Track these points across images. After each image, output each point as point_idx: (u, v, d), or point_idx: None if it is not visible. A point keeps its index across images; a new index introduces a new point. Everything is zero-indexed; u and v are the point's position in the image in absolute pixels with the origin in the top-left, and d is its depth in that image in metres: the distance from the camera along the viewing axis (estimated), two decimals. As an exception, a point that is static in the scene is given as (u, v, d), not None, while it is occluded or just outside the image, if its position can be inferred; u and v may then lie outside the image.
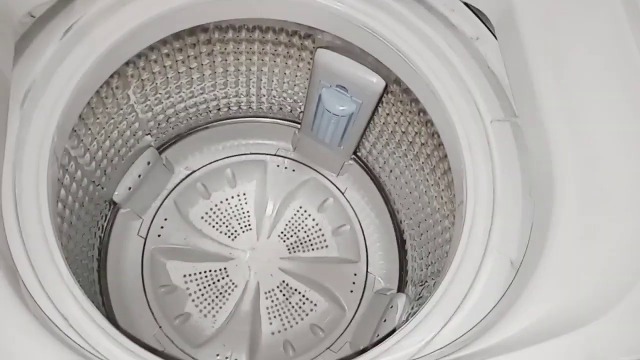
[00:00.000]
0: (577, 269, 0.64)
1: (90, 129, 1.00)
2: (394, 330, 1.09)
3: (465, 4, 0.81)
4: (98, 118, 1.01)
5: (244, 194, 1.45)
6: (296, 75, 1.23)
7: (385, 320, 1.22)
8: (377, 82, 1.05)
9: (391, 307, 1.21)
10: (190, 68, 1.16)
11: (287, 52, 1.14)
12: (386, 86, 1.05)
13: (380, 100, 1.12)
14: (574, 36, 0.69)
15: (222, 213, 1.42)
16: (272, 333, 1.34)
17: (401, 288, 1.32)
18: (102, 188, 1.17)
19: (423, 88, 0.85)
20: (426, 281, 1.14)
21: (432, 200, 1.16)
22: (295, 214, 1.44)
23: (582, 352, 0.57)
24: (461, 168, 0.79)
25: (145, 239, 1.36)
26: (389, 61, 0.89)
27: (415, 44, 0.82)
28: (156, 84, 1.13)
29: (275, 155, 1.47)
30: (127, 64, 1.00)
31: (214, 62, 1.18)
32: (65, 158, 0.93)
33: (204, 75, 1.21)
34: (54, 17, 0.75)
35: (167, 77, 1.15)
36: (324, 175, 1.47)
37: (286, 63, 1.19)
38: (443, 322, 0.66)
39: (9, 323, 0.54)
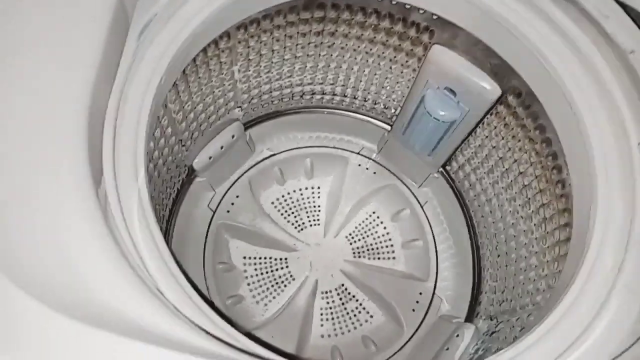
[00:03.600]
0: None
1: (189, 86, 0.99)
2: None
3: (624, 7, 0.72)
4: (199, 78, 1.00)
5: (319, 188, 1.40)
6: (401, 73, 1.17)
7: (447, 349, 1.12)
8: (492, 90, 0.97)
9: (457, 335, 1.11)
10: (295, 57, 1.14)
11: (399, 45, 1.08)
12: (501, 96, 0.96)
13: (490, 111, 1.03)
14: None
15: (293, 202, 1.38)
16: (322, 336, 1.27)
17: (469, 318, 1.21)
18: (186, 150, 1.16)
19: (556, 99, 0.76)
20: (505, 315, 1.03)
21: (519, 234, 1.06)
22: (367, 218, 1.37)
23: None
24: (588, 192, 0.69)
25: (214, 213, 1.33)
26: (519, 63, 0.81)
27: (558, 46, 0.73)
28: (260, 66, 1.11)
29: (358, 154, 1.41)
30: (239, 42, 0.99)
31: (319, 54, 1.15)
32: (161, 110, 0.92)
33: (306, 66, 1.18)
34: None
35: (272, 62, 1.13)
36: (404, 184, 1.39)
37: (394, 57, 1.13)
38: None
39: (94, 246, 0.51)
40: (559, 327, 0.59)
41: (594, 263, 0.62)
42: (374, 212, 1.37)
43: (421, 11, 0.95)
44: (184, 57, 0.77)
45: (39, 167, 0.52)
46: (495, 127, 1.06)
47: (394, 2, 0.94)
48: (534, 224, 0.96)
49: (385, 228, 1.36)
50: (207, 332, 0.52)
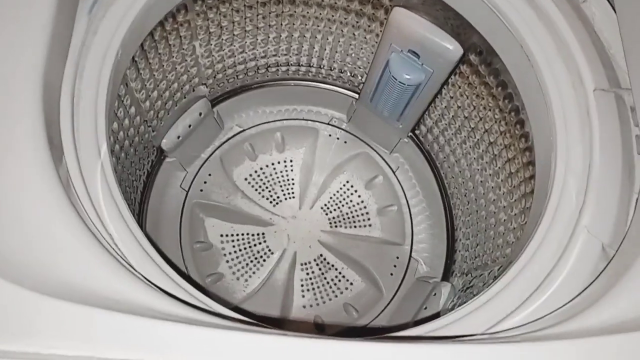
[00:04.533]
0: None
1: (150, 63, 0.97)
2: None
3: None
4: (159, 53, 0.97)
5: (291, 161, 1.40)
6: (364, 39, 1.17)
7: (426, 308, 1.15)
8: (454, 49, 0.97)
9: (434, 294, 1.14)
10: (257, 28, 1.12)
11: (360, 10, 1.08)
12: (463, 55, 0.97)
13: (453, 71, 1.04)
14: None
15: (266, 177, 1.38)
16: (304, 306, 1.28)
17: (446, 277, 1.24)
18: (153, 131, 1.14)
19: (514, 51, 0.77)
20: (477, 270, 1.06)
21: (487, 191, 1.08)
22: (341, 188, 1.38)
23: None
24: (549, 140, 0.70)
25: (187, 192, 1.32)
26: (476, 17, 0.82)
27: (514, 0, 0.74)
28: (222, 39, 1.09)
29: (328, 124, 1.41)
30: (198, 14, 0.96)
31: (281, 24, 1.13)
32: (122, 89, 0.89)
33: (268, 37, 1.16)
34: None
35: (234, 34, 1.10)
36: (376, 151, 1.40)
37: (356, 23, 1.12)
38: (519, 302, 0.58)
39: (58, 222, 0.50)
40: (525, 271, 0.61)
41: (556, 208, 0.64)
42: (347, 182, 1.38)
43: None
44: (140, 29, 0.75)
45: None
46: (460, 87, 1.07)
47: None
48: (501, 180, 0.98)
49: (359, 196, 1.38)
50: (169, 294, 0.52)
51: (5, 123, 0.51)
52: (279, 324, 1.24)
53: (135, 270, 0.54)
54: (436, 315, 1.04)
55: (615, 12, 0.70)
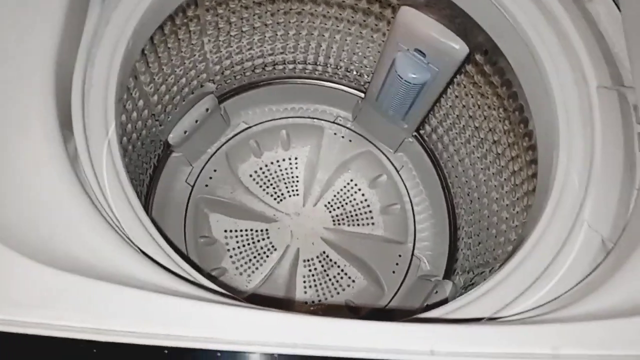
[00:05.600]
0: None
1: (159, 57, 0.98)
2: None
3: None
4: (169, 47, 0.99)
5: (296, 158, 1.41)
6: (371, 37, 1.18)
7: (427, 306, 1.15)
8: (460, 49, 0.98)
9: (436, 292, 1.15)
10: (265, 25, 1.13)
11: (368, 8, 1.09)
12: (469, 54, 0.98)
13: (459, 71, 1.05)
14: None
15: (271, 174, 1.39)
16: (306, 302, 1.29)
17: (448, 275, 1.24)
18: (160, 125, 1.15)
19: (519, 49, 0.78)
20: (479, 268, 1.07)
21: (490, 189, 1.09)
22: (345, 186, 1.39)
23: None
24: (552, 137, 0.71)
25: (193, 187, 1.34)
26: (483, 16, 0.83)
27: (519, -2, 0.75)
28: (230, 35, 1.10)
29: (333, 122, 1.42)
30: (207, 10, 0.98)
31: (289, 21, 1.15)
32: (131, 82, 0.91)
33: (276, 34, 1.18)
34: None
35: (242, 31, 1.12)
36: (380, 150, 1.41)
37: (364, 21, 1.14)
38: (519, 291, 0.59)
39: (64, 196, 0.51)
40: (526, 263, 0.62)
41: (557, 203, 0.65)
42: (351, 180, 1.39)
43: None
44: (151, 21, 0.77)
45: (6, 124, 0.52)
46: (465, 87, 1.08)
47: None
48: (504, 179, 0.99)
49: (363, 195, 1.39)
50: (168, 270, 0.53)
51: (19, 99, 0.53)
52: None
53: (137, 247, 0.55)
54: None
55: (620, 10, 0.71)
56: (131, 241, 0.56)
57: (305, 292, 1.30)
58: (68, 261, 0.47)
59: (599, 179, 0.66)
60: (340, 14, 1.12)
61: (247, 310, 0.48)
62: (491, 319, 0.56)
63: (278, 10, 1.10)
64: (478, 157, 1.11)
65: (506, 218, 0.99)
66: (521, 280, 0.60)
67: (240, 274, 1.30)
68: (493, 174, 1.07)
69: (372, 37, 1.17)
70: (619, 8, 0.72)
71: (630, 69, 0.68)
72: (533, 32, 0.73)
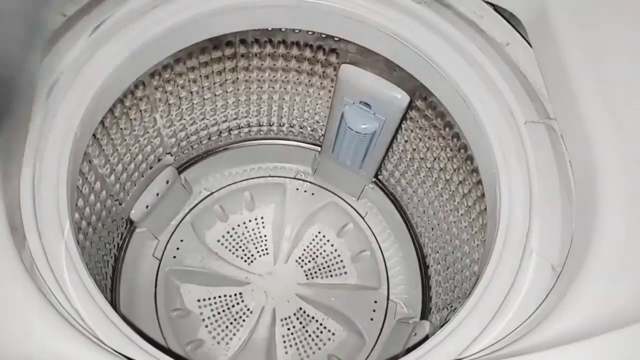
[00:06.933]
0: (622, 274, 0.60)
1: (112, 138, 1.00)
2: None
3: (494, 7, 0.81)
4: (121, 128, 1.01)
5: (262, 218, 1.42)
6: (319, 95, 1.23)
7: (408, 349, 1.15)
8: (401, 98, 1.04)
9: (414, 334, 1.15)
10: (215, 95, 1.17)
11: (311, 69, 1.14)
12: (410, 102, 1.04)
13: (404, 117, 1.10)
14: (611, 32, 0.67)
15: (239, 236, 1.39)
16: (288, 363, 1.27)
17: (425, 315, 1.25)
18: (120, 204, 1.15)
19: (451, 95, 0.83)
20: (451, 304, 1.08)
21: (450, 226, 1.12)
22: (313, 239, 1.40)
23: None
24: (493, 173, 0.75)
25: (160, 261, 1.32)
26: (415, 69, 0.88)
27: (443, 49, 0.81)
28: (182, 109, 1.14)
29: (294, 178, 1.45)
30: (156, 88, 1.01)
31: (238, 89, 1.19)
32: (85, 166, 0.92)
33: (227, 102, 1.22)
34: (84, 15, 0.76)
35: (193, 103, 1.16)
36: (343, 200, 1.44)
37: (309, 81, 1.19)
38: (481, 327, 0.61)
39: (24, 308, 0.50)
40: (483, 300, 0.64)
41: (505, 236, 0.68)
42: (319, 232, 1.41)
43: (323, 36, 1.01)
44: (98, 109, 0.79)
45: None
46: (412, 131, 1.14)
47: (289, 27, 1.00)
48: (461, 214, 1.02)
49: (332, 245, 1.40)
50: None
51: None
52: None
53: (109, 346, 0.54)
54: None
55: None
56: (101, 341, 0.55)
57: (287, 352, 1.28)
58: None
59: (540, 208, 0.69)
60: (286, 77, 1.17)
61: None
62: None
63: (226, 81, 1.14)
64: (435, 196, 1.15)
65: (468, 252, 1.02)
66: (482, 316, 0.62)
67: (218, 342, 1.27)
68: (450, 210, 1.11)
69: (319, 94, 1.22)
70: (531, 46, 0.79)
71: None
72: (460, 78, 0.79)
